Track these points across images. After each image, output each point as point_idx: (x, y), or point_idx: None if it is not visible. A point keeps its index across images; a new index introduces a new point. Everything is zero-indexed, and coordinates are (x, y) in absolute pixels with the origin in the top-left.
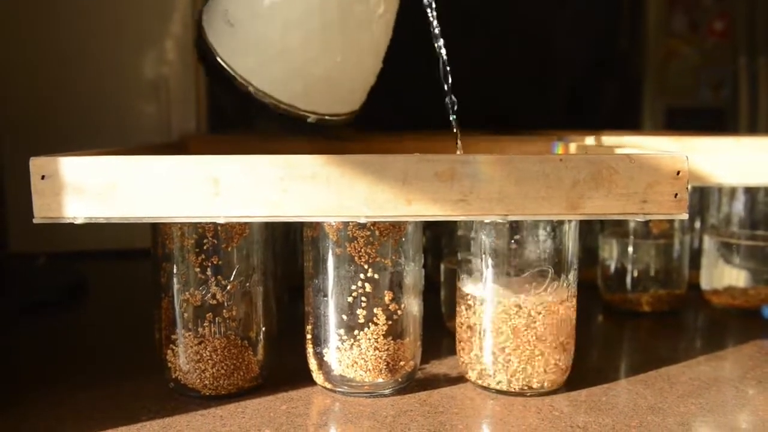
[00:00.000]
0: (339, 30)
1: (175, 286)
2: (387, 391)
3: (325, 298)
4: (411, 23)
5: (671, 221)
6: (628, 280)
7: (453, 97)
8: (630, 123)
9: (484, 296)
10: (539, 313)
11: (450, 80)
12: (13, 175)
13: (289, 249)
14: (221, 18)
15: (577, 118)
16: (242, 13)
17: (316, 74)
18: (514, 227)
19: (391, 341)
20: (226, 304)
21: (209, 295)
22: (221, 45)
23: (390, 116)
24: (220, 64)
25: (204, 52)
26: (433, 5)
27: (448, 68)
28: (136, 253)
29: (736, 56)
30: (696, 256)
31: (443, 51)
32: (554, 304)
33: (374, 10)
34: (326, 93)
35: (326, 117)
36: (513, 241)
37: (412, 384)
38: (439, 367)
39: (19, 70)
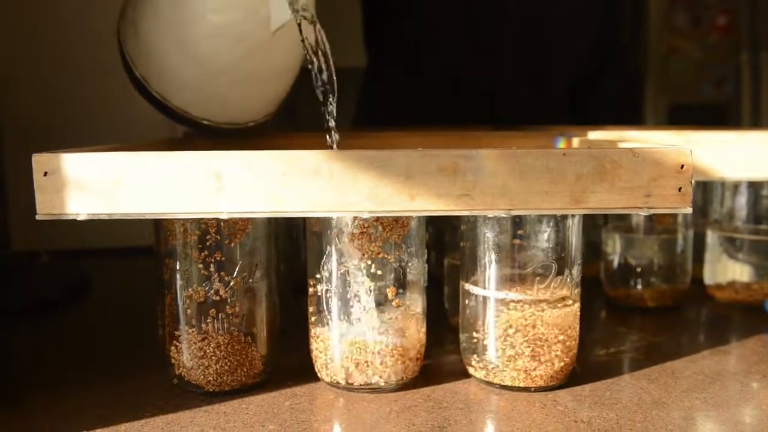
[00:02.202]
0: (230, 56)
1: (178, 283)
2: (391, 387)
3: (328, 294)
4: None
5: (674, 216)
6: (632, 275)
7: (331, 86)
8: (632, 119)
9: (487, 292)
10: (543, 309)
11: (333, 71)
12: (14, 173)
13: (291, 244)
14: (130, 21)
15: (579, 114)
16: (143, 17)
17: (209, 90)
18: (517, 222)
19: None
20: (229, 300)
21: (212, 291)
22: (128, 43)
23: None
24: (127, 60)
25: (120, 45)
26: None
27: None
28: (139, 251)
29: (739, 52)
30: (699, 250)
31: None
32: (558, 300)
33: (268, 36)
34: (220, 105)
35: (222, 125)
36: (516, 236)
37: (416, 379)
38: (442, 362)
39: (21, 66)
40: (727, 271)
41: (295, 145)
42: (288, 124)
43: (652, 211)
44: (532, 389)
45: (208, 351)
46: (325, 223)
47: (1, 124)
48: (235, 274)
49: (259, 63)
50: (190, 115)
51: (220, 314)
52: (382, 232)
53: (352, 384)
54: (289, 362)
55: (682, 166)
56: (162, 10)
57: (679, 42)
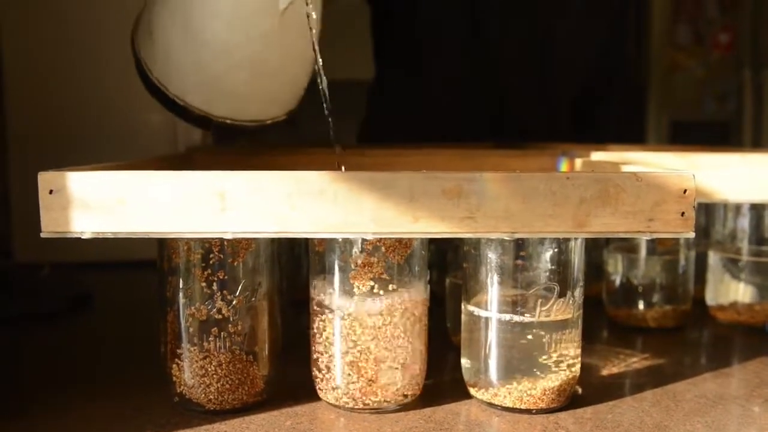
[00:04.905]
0: (247, 54)
1: (181, 301)
2: (392, 407)
3: (331, 314)
4: None
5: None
6: (634, 295)
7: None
8: (634, 136)
9: (489, 313)
10: (544, 330)
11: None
12: (18, 186)
13: (294, 263)
14: (146, 26)
15: (581, 130)
16: (158, 21)
17: (228, 85)
18: (520, 244)
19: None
20: (231, 318)
21: (215, 309)
22: (143, 49)
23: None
24: (143, 67)
25: (134, 53)
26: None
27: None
28: (141, 265)
29: (741, 69)
30: (701, 271)
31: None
32: (559, 321)
33: (278, 18)
34: (240, 102)
35: (244, 123)
36: (519, 257)
37: (417, 400)
38: (444, 383)
39: (25, 81)
40: (730, 292)
41: (299, 162)
42: (289, 137)
43: (654, 236)
44: (534, 411)
45: (209, 369)
46: (328, 242)
47: (6, 137)
48: (237, 293)
49: (273, 52)
50: (210, 114)
51: (222, 333)
52: (384, 253)
53: (353, 404)
54: (290, 381)
55: (685, 191)
56: (176, 9)
57: (682, 59)
